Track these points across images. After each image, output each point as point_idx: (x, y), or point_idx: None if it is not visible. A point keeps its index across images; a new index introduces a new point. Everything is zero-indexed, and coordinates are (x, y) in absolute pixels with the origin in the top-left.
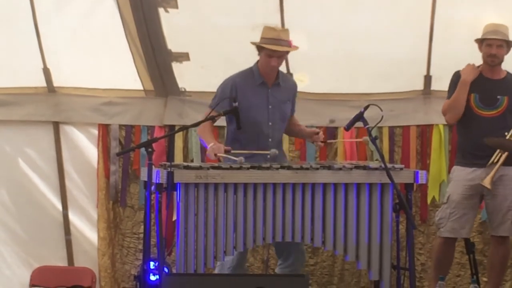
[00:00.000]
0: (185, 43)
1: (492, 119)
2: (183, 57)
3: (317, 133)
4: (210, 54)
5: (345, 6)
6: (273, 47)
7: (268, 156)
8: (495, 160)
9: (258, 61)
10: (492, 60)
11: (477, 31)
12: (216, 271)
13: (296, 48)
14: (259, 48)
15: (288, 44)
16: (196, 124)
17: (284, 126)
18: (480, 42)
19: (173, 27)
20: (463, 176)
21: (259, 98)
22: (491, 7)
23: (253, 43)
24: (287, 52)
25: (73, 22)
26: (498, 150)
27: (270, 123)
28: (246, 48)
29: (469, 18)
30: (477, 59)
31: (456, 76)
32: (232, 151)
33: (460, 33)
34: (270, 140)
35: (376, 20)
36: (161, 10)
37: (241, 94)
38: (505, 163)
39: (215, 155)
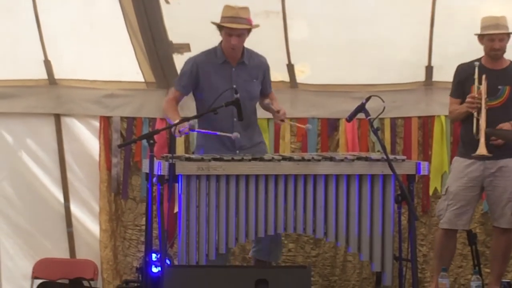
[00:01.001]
0: (185, 33)
1: (494, 109)
2: (184, 48)
3: (278, 112)
4: (211, 44)
5: None
6: (231, 25)
7: (232, 138)
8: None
9: (222, 41)
10: (496, 54)
11: (478, 17)
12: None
13: (256, 26)
14: (220, 28)
15: (248, 22)
16: (197, 116)
17: (254, 104)
18: (481, 35)
19: (174, 17)
20: (461, 168)
21: (221, 77)
22: None
23: (213, 23)
24: (248, 31)
25: (74, 14)
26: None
27: None
28: (247, 38)
29: (469, 3)
30: (478, 46)
31: (458, 71)
32: (196, 131)
33: (460, 19)
34: (234, 119)
35: (377, 5)
36: (161, 1)
37: (202, 73)
38: (504, 155)
39: (179, 131)
